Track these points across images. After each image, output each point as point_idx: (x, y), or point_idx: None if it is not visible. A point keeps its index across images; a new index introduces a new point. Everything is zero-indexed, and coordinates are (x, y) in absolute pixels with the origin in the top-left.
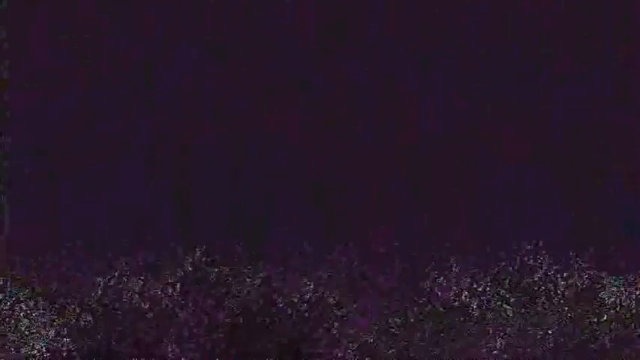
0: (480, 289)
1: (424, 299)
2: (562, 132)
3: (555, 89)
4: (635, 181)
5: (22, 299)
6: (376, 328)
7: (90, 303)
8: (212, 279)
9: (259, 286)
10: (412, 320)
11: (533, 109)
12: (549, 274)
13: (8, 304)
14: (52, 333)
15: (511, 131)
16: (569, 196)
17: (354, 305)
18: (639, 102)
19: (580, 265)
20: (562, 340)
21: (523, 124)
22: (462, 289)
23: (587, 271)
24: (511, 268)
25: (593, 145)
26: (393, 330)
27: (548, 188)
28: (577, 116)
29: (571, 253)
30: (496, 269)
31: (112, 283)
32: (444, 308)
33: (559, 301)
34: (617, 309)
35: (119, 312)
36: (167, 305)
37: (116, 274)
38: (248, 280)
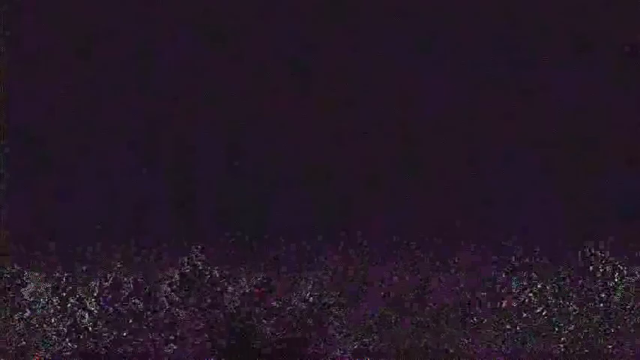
0: None
1: None
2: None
3: (559, 76)
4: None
5: None
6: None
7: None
8: (210, 278)
9: (258, 285)
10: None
11: (534, 97)
12: None
13: None
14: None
15: (513, 117)
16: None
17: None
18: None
19: None
20: None
21: (523, 112)
22: None
23: None
24: None
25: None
26: None
27: None
28: (579, 108)
29: None
30: None
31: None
32: None
33: None
34: None
35: (115, 312)
36: (164, 305)
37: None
38: (246, 279)
